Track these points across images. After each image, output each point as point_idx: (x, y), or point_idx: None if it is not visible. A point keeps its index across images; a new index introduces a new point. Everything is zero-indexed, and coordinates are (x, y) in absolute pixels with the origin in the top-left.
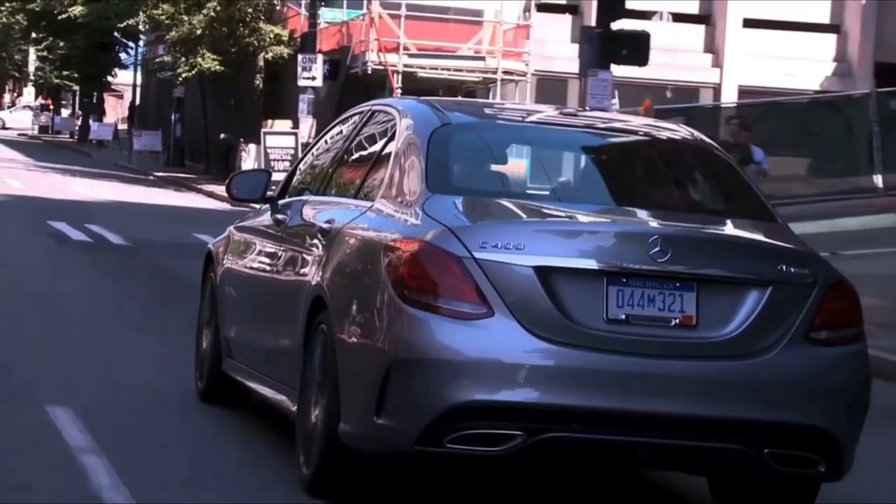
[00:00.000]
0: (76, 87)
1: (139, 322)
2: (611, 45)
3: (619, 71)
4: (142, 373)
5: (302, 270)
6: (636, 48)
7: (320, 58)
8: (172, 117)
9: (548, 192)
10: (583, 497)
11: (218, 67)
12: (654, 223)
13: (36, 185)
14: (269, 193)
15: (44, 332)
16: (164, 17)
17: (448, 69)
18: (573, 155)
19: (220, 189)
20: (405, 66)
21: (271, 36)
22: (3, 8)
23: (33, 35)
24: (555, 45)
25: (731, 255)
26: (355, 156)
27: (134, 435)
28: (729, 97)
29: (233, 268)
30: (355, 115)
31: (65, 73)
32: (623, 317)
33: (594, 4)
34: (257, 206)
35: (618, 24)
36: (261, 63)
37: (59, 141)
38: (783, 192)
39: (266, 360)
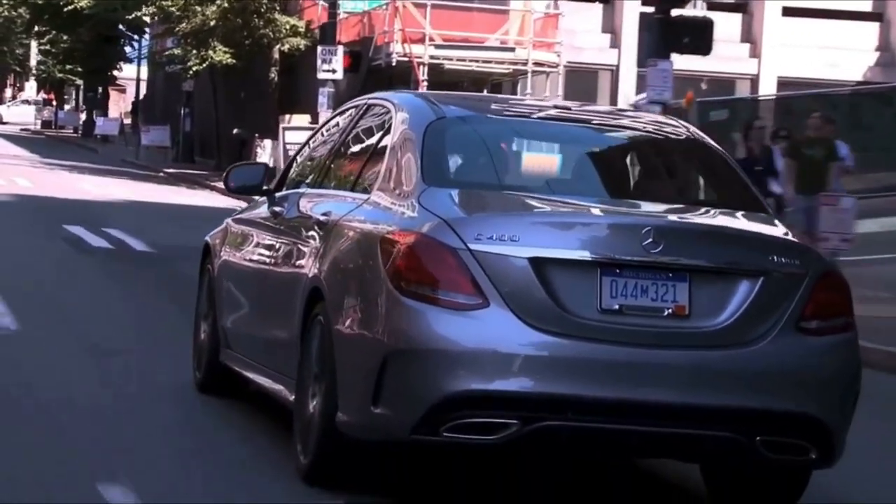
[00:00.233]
0: (79, 82)
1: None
2: (672, 32)
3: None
4: None
5: (299, 262)
6: (699, 36)
7: (341, 49)
8: (181, 112)
9: (542, 185)
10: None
11: (230, 60)
12: (647, 215)
13: (44, 183)
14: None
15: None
16: (175, 8)
17: (476, 61)
18: (568, 148)
19: None
20: (431, 57)
21: (287, 27)
22: (4, 1)
23: (36, 28)
24: (585, 36)
25: (722, 246)
26: (352, 149)
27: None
28: (767, 89)
29: (230, 260)
30: (352, 108)
31: (68, 67)
32: (617, 307)
33: None
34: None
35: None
36: (276, 55)
37: (63, 136)
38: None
39: (264, 350)
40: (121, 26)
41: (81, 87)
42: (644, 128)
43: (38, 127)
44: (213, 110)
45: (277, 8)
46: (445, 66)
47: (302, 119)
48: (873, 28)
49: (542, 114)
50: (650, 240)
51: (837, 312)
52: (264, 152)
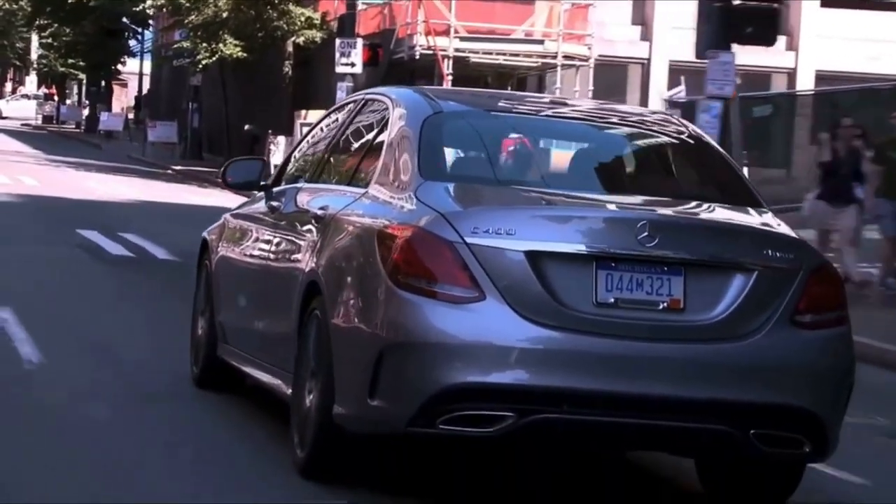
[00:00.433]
0: (82, 76)
1: None
2: (733, 22)
3: (681, 54)
4: None
5: (296, 256)
6: (764, 25)
7: (360, 42)
8: (189, 107)
9: (538, 180)
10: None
11: (241, 54)
12: (642, 209)
13: (51, 182)
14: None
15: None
16: None
17: (504, 53)
18: (564, 144)
19: None
20: (456, 50)
21: (302, 19)
22: None
23: (38, 21)
24: (614, 28)
25: (717, 240)
26: (349, 143)
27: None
28: (804, 83)
29: (228, 254)
30: (350, 103)
31: (70, 60)
32: (612, 300)
33: None
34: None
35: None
36: (290, 49)
37: (66, 132)
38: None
39: (261, 345)
40: (125, 19)
41: (84, 81)
42: (640, 123)
43: (40, 122)
44: (222, 106)
45: None
46: (471, 59)
47: (319, 115)
48: None
49: (538, 110)
50: (646, 234)
51: (831, 306)
52: (278, 149)
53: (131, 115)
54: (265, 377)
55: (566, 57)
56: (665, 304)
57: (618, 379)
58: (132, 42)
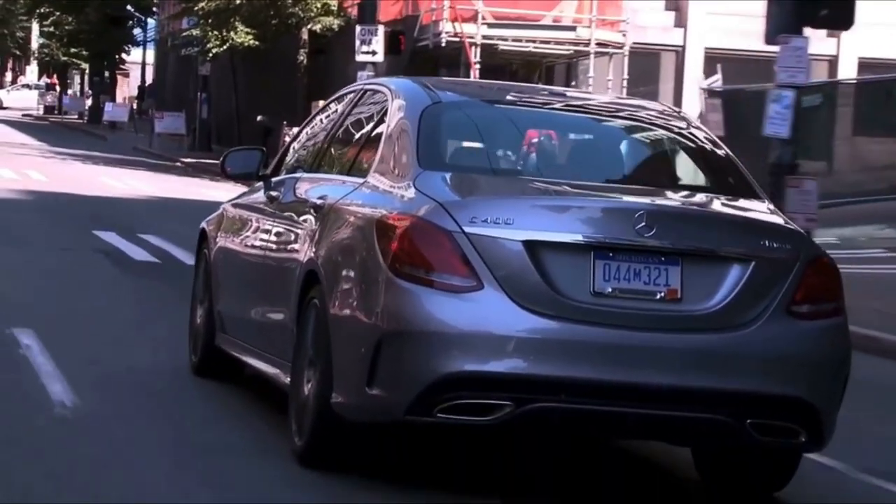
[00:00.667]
0: (84, 65)
1: None
2: (806, 4)
3: (717, 41)
4: None
5: (295, 246)
6: (839, 7)
7: (381, 29)
8: (198, 97)
9: (536, 169)
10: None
11: (253, 42)
12: (639, 199)
13: (59, 177)
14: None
15: None
16: None
17: (534, 41)
18: (562, 135)
19: None
20: (484, 37)
21: (318, 5)
22: None
23: (40, 10)
24: (647, 14)
25: (715, 230)
26: (348, 134)
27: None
28: (846, 71)
29: (227, 244)
30: (349, 93)
31: (73, 49)
32: (609, 290)
33: None
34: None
35: None
36: (304, 36)
37: (69, 122)
38: None
39: (259, 334)
40: (129, 7)
41: (86, 71)
42: (638, 115)
43: (41, 112)
44: (232, 96)
45: None
46: (500, 46)
47: None
48: None
49: (537, 100)
50: (643, 224)
51: (828, 297)
52: None
53: (134, 106)
54: (264, 366)
55: (599, 44)
56: (662, 294)
57: (615, 368)
58: (136, 30)
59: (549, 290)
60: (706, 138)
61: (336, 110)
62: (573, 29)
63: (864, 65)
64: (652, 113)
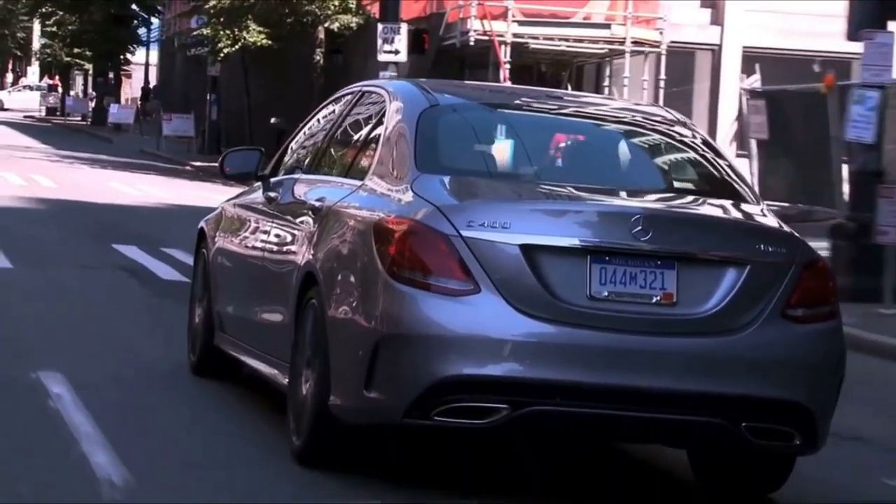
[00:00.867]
0: (88, 66)
1: None
2: None
3: (755, 40)
4: None
5: (293, 247)
6: None
7: (405, 27)
8: (208, 98)
9: (533, 173)
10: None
11: (265, 42)
12: (636, 203)
13: (68, 182)
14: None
15: None
16: None
17: (566, 39)
18: (559, 137)
19: None
20: (514, 35)
21: (336, 3)
22: None
23: (42, 10)
24: (681, 11)
25: (710, 234)
26: (346, 135)
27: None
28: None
29: (225, 244)
30: (347, 95)
31: (76, 50)
32: (606, 294)
33: None
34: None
35: None
36: (321, 36)
37: (72, 124)
38: None
39: (257, 334)
40: (134, 6)
41: (90, 71)
42: (635, 118)
43: (43, 114)
44: (243, 97)
45: None
46: (531, 45)
47: None
48: None
49: (534, 103)
50: (639, 228)
51: (823, 300)
52: None
53: (139, 107)
54: (262, 366)
55: (635, 42)
56: (658, 298)
57: (611, 372)
58: (141, 30)
59: (546, 293)
60: (703, 142)
61: (334, 111)
62: (608, 27)
63: None
64: (650, 117)
